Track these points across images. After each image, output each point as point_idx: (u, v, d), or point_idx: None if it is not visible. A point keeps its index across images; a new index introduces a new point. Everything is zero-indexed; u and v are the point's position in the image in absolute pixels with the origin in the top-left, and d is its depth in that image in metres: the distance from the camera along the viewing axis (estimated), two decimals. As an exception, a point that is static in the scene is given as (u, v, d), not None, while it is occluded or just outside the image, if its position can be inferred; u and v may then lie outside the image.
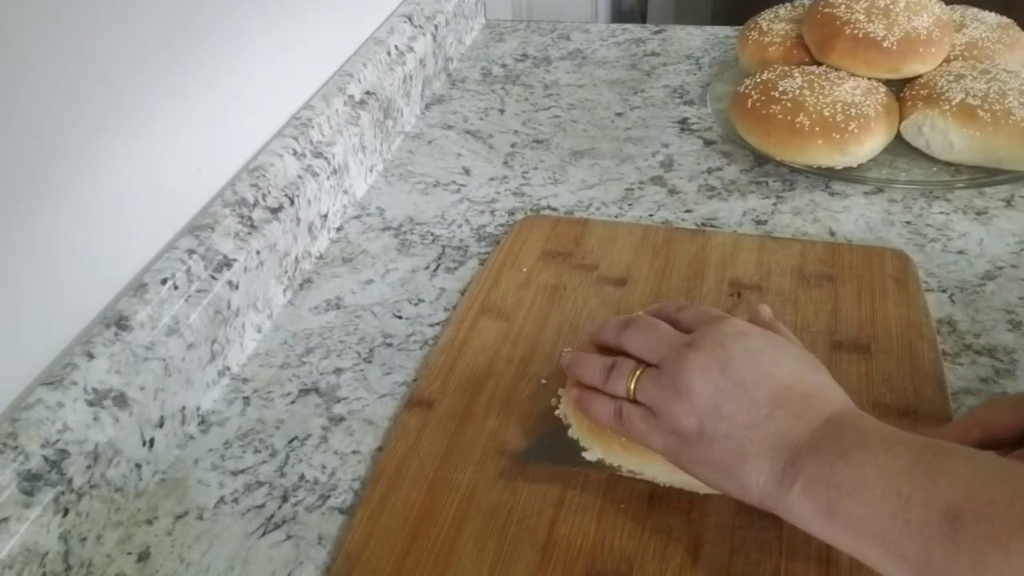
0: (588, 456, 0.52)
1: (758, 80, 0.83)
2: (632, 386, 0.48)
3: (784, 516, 0.42)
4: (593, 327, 0.54)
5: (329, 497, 0.54)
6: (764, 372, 0.44)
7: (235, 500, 0.54)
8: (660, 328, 0.49)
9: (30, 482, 0.47)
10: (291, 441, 0.58)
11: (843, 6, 0.85)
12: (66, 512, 0.48)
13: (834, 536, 0.40)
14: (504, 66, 1.06)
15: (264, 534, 0.52)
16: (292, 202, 0.70)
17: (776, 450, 0.42)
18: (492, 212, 0.79)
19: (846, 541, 0.39)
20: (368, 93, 0.86)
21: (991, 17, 0.90)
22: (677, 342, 0.47)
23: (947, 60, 0.84)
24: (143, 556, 0.51)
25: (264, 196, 0.69)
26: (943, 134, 0.77)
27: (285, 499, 0.54)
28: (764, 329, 0.48)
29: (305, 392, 0.62)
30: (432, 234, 0.77)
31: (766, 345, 0.46)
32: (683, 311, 0.51)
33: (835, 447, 0.40)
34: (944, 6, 0.86)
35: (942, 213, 0.75)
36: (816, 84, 0.80)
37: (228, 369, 0.63)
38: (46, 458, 0.48)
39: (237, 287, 0.63)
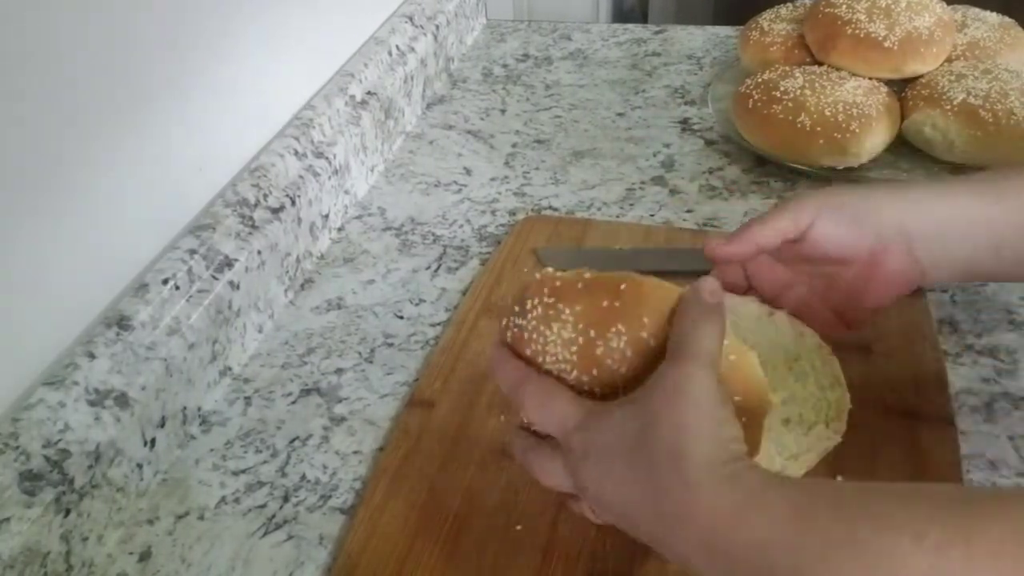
0: None
1: (759, 80, 0.83)
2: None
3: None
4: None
5: (330, 497, 0.54)
6: (618, 512, 0.40)
7: (236, 500, 0.54)
8: (550, 411, 0.42)
9: (31, 482, 0.47)
10: (292, 441, 0.58)
11: (844, 6, 0.85)
12: (67, 512, 0.48)
13: None
14: (505, 66, 1.06)
15: (265, 534, 0.52)
16: (293, 202, 0.70)
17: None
18: (493, 212, 0.79)
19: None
20: (369, 93, 0.86)
21: (992, 17, 0.90)
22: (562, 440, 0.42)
23: (949, 60, 0.84)
24: (144, 556, 0.51)
25: (265, 196, 0.69)
26: (944, 134, 0.77)
27: (286, 499, 0.54)
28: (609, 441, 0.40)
29: (306, 392, 0.62)
30: (433, 234, 0.77)
31: (603, 477, 0.40)
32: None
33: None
34: (945, 6, 0.86)
35: (943, 213, 0.75)
36: (817, 84, 0.80)
37: (229, 369, 0.63)
38: (47, 458, 0.48)
39: (238, 287, 0.63)
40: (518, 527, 0.50)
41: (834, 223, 0.50)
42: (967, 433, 0.55)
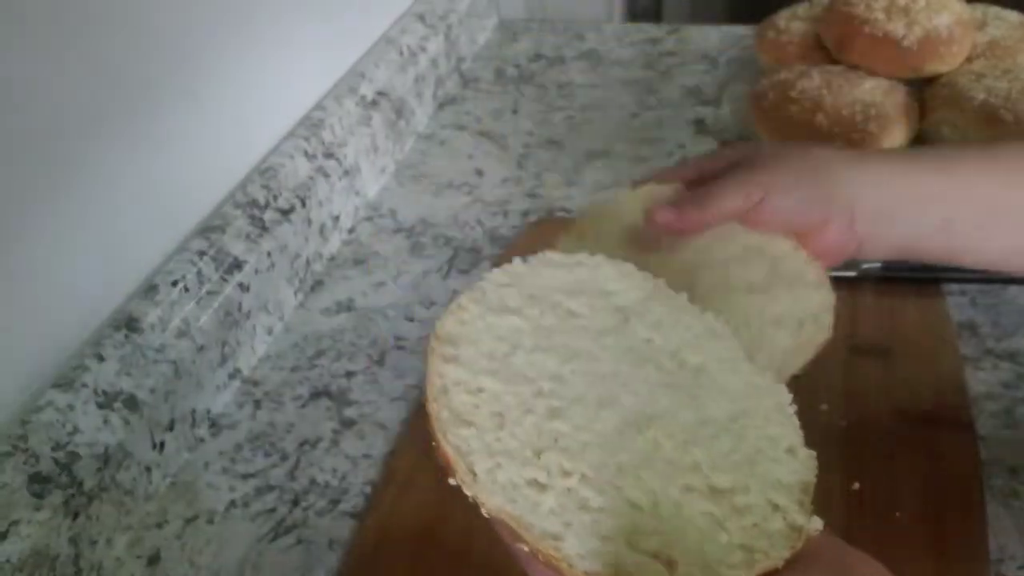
0: None
1: (775, 80, 0.82)
2: None
3: None
4: None
5: (340, 501, 0.54)
6: None
7: (245, 504, 0.54)
8: None
9: (40, 485, 0.47)
10: (302, 445, 0.58)
11: (862, 4, 0.84)
12: (76, 515, 0.48)
13: None
14: (517, 66, 1.06)
15: (275, 538, 0.52)
16: (303, 203, 0.70)
17: None
18: (505, 214, 0.79)
19: None
20: (380, 93, 0.85)
21: (1013, 16, 0.88)
22: None
23: (968, 59, 0.83)
24: (153, 560, 0.51)
25: (275, 197, 0.68)
26: (964, 135, 0.76)
27: (296, 503, 0.54)
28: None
29: (316, 395, 0.61)
30: (444, 236, 0.76)
31: None
32: None
33: None
34: (965, 5, 0.85)
35: (963, 215, 0.74)
36: (834, 84, 0.79)
37: (239, 372, 0.63)
38: (56, 461, 0.48)
39: (248, 289, 0.63)
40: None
41: (784, 199, 0.49)
42: (987, 438, 0.54)
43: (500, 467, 0.34)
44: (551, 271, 0.41)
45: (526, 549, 0.33)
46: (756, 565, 0.33)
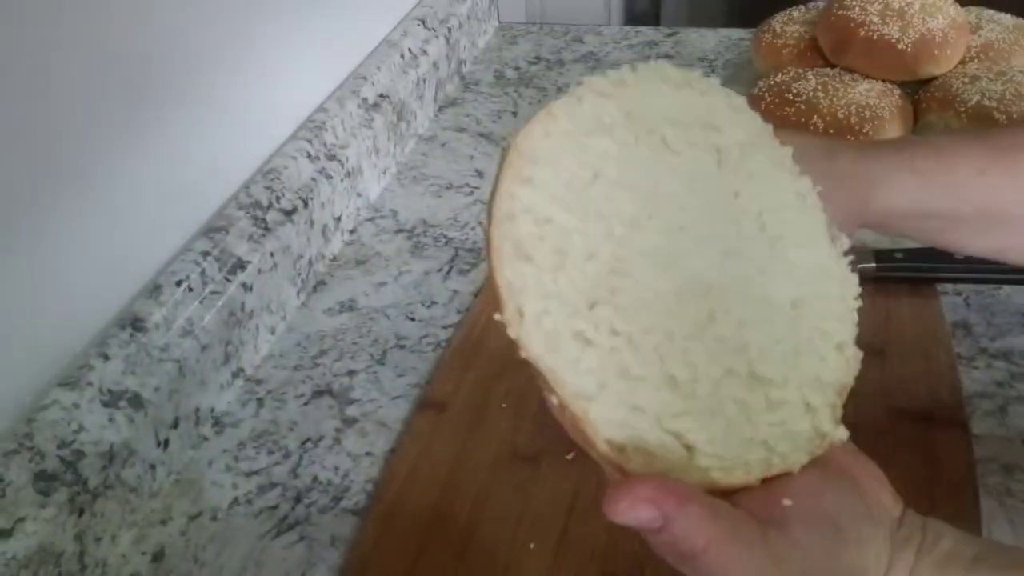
0: None
1: (772, 82, 0.83)
2: None
3: None
4: None
5: (342, 499, 0.54)
6: None
7: (249, 501, 0.54)
8: None
9: (46, 482, 0.47)
10: (304, 443, 0.58)
11: (857, 8, 0.85)
12: (81, 512, 0.48)
13: None
14: (517, 69, 1.06)
15: (277, 535, 0.52)
16: (306, 204, 0.71)
17: None
18: (505, 215, 0.79)
19: None
20: (382, 96, 0.86)
21: (1007, 19, 0.89)
22: None
23: (963, 62, 0.84)
24: (157, 556, 0.52)
25: (278, 198, 0.69)
26: (958, 136, 0.77)
27: (298, 500, 0.54)
28: None
29: (318, 394, 0.62)
30: (445, 236, 0.77)
31: None
32: None
33: None
34: (959, 7, 0.85)
35: (957, 216, 0.74)
36: (830, 86, 0.80)
37: (242, 371, 0.63)
38: (62, 458, 0.48)
39: (251, 289, 0.63)
40: (529, 529, 0.50)
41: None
42: (981, 437, 0.54)
43: (549, 313, 0.31)
44: (657, 87, 0.36)
45: (555, 402, 0.31)
46: (771, 468, 0.33)
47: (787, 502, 0.32)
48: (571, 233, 0.32)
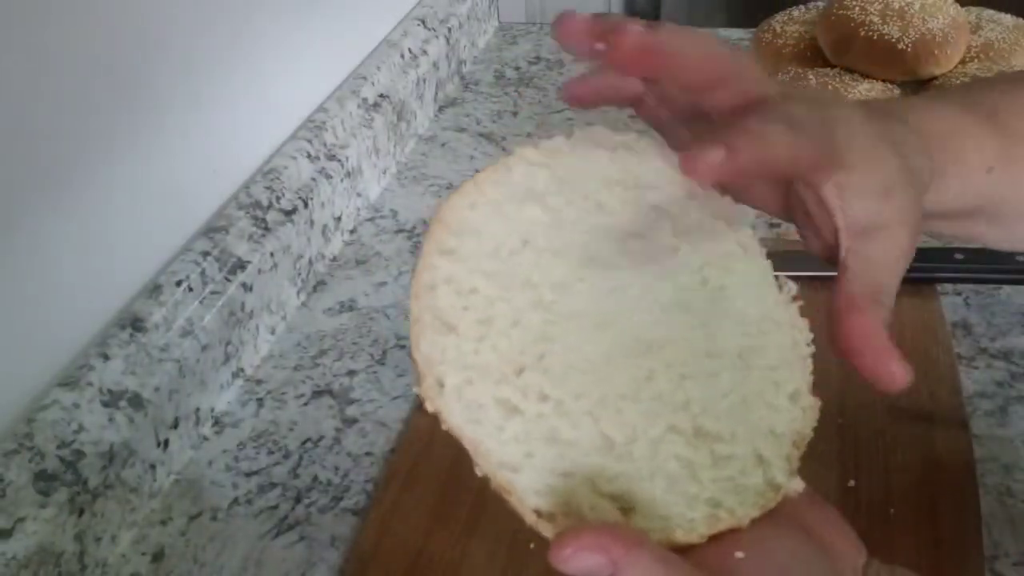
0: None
1: (772, 82, 0.83)
2: None
3: None
4: None
5: (342, 499, 0.54)
6: None
7: (249, 501, 0.54)
8: None
9: (46, 482, 0.47)
10: (304, 443, 0.58)
11: (857, 8, 0.85)
12: (81, 512, 0.48)
13: None
14: (517, 69, 1.06)
15: (277, 535, 0.52)
16: (306, 204, 0.71)
17: None
18: (505, 215, 0.79)
19: None
20: (382, 96, 0.86)
21: (1007, 19, 0.89)
22: None
23: (963, 62, 0.84)
24: (157, 556, 0.52)
25: (278, 198, 0.69)
26: (959, 136, 0.77)
27: (298, 500, 0.54)
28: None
29: (318, 394, 0.62)
30: (445, 236, 0.77)
31: None
32: None
33: None
34: (959, 7, 0.85)
35: (957, 216, 0.74)
36: (830, 86, 0.80)
37: (242, 371, 0.63)
38: (62, 458, 0.48)
39: (251, 289, 0.63)
40: (529, 530, 0.50)
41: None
42: (981, 437, 0.54)
43: (472, 383, 0.31)
44: (591, 152, 0.35)
45: (479, 474, 0.31)
46: (718, 523, 0.31)
47: (739, 555, 0.31)
48: (495, 302, 0.32)
